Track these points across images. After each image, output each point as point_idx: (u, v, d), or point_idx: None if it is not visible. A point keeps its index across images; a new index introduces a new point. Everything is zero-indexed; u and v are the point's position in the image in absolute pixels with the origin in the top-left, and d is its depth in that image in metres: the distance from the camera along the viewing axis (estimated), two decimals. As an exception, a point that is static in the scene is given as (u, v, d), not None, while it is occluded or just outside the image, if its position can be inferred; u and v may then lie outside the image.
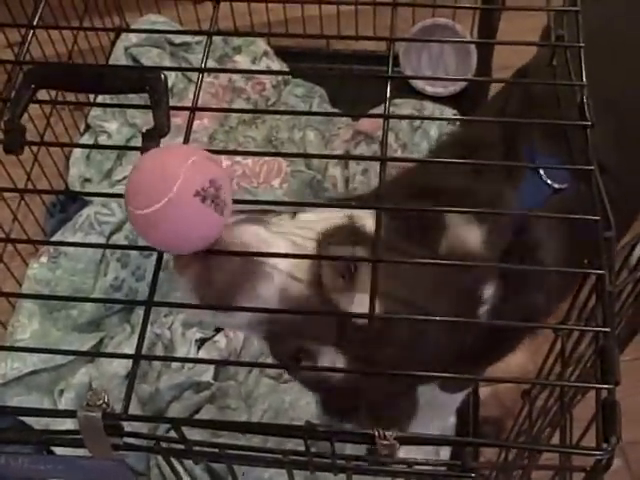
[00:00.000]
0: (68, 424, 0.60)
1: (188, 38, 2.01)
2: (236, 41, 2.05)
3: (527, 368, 1.36)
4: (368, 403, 0.83)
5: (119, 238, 1.62)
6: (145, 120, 1.81)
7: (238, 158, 1.80)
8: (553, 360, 0.87)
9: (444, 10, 1.96)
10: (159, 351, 1.54)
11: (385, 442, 0.56)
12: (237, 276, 0.76)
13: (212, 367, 1.53)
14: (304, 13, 1.96)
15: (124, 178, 1.75)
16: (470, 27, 1.94)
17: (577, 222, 0.69)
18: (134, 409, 1.43)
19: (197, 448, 0.61)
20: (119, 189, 1.68)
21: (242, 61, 2.01)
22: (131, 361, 1.56)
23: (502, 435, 1.51)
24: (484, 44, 1.78)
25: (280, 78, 2.00)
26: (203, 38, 2.04)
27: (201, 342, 1.57)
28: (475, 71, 1.92)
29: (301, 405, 1.48)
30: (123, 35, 1.99)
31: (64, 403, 1.44)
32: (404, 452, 0.61)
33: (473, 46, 1.93)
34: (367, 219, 0.88)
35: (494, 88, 1.82)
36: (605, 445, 0.56)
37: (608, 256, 0.64)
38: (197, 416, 1.46)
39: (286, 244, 0.81)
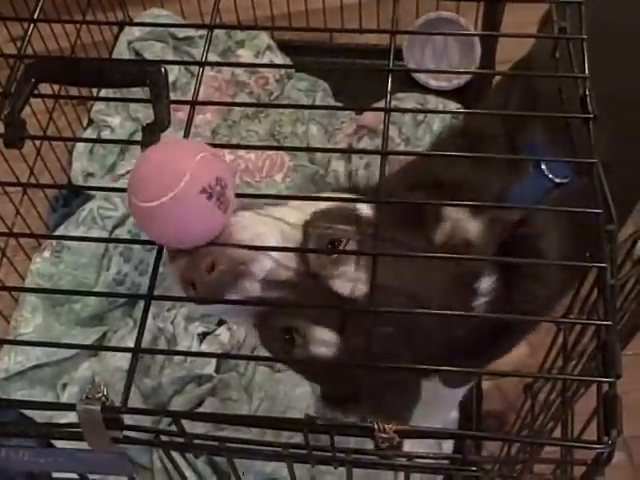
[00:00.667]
0: (70, 418, 0.60)
1: (191, 32, 2.00)
2: (239, 35, 2.05)
3: (528, 361, 1.35)
4: (366, 392, 0.83)
5: (122, 232, 1.62)
6: (148, 114, 1.79)
7: (241, 152, 1.80)
8: (555, 354, 0.87)
9: (448, 3, 1.95)
10: (162, 345, 1.54)
11: (384, 435, 0.55)
12: (224, 264, 0.75)
13: (214, 360, 1.53)
14: (307, 7, 1.96)
15: (127, 172, 1.75)
16: (474, 20, 1.94)
17: (578, 215, 0.68)
18: (137, 403, 1.43)
19: (197, 441, 0.61)
20: (122, 183, 1.68)
21: (245, 55, 2.01)
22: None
23: (505, 429, 1.50)
24: (488, 37, 1.78)
25: (283, 72, 2.00)
26: (205, 32, 2.04)
27: (203, 336, 1.57)
28: (479, 65, 1.91)
29: (296, 394, 1.48)
30: (126, 29, 1.99)
31: (67, 397, 1.45)
32: (407, 447, 0.61)
33: (477, 39, 1.92)
34: (361, 205, 0.88)
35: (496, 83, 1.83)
36: (606, 438, 0.56)
37: (610, 249, 0.64)
38: (199, 409, 1.46)
39: (273, 228, 0.81)
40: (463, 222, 0.91)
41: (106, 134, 1.82)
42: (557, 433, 0.83)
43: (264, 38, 2.03)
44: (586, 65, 0.73)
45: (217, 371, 1.53)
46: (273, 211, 0.85)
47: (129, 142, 1.77)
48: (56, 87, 1.48)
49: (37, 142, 1.68)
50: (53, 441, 0.89)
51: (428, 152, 1.64)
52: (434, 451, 0.61)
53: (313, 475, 1.36)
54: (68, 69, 0.74)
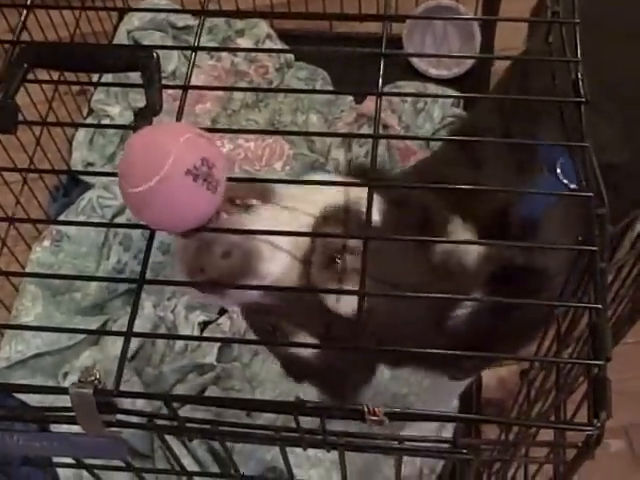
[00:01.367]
0: (68, 403, 0.60)
1: (190, 21, 2.00)
2: (239, 24, 2.04)
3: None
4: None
5: (121, 221, 1.63)
6: (148, 104, 1.81)
7: (240, 141, 1.80)
8: (551, 340, 0.87)
9: (448, -8, 1.95)
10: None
11: (374, 418, 0.56)
12: (241, 255, 0.76)
13: (215, 349, 1.53)
14: (307, -5, 1.96)
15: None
16: (474, 9, 1.94)
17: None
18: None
19: (190, 425, 0.61)
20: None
21: (245, 44, 2.01)
22: (135, 344, 1.57)
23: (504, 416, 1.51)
24: (487, 26, 1.77)
25: (283, 61, 1.99)
26: (200, 18, 2.04)
27: (204, 325, 1.58)
28: (479, 53, 1.90)
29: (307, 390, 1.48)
30: (126, 18, 1.99)
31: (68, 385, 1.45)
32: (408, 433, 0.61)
33: (477, 28, 1.91)
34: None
35: (495, 72, 1.83)
36: (595, 421, 0.56)
37: (600, 233, 0.64)
38: (201, 398, 1.47)
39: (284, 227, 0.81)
40: (464, 248, 0.90)
41: (106, 123, 1.83)
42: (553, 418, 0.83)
43: (263, 27, 2.03)
44: (578, 49, 0.73)
45: (219, 361, 1.54)
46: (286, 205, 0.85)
47: (121, 127, 1.77)
48: (55, 76, 1.49)
49: (37, 132, 1.68)
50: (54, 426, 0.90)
51: (418, 136, 1.64)
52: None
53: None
54: (60, 54, 0.74)
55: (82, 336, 1.51)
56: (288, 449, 1.36)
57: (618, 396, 1.61)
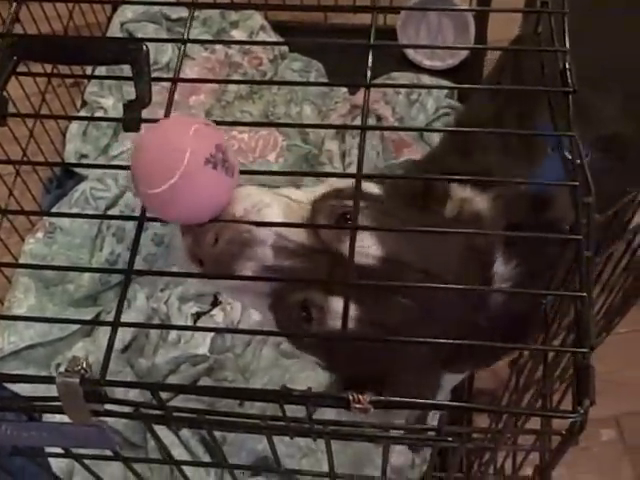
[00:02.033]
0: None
1: (184, 13, 1.99)
2: (233, 16, 2.04)
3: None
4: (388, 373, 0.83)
5: (114, 213, 1.63)
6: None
7: (234, 133, 1.80)
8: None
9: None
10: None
11: (359, 406, 0.56)
12: (227, 234, 0.76)
13: (208, 340, 1.54)
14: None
15: (121, 153, 1.75)
16: (468, 0, 1.94)
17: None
18: (131, 383, 1.44)
19: (177, 414, 0.61)
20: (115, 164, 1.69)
21: (239, 36, 2.01)
22: (128, 335, 1.57)
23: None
24: (479, 16, 1.78)
25: (277, 52, 1.99)
26: (199, 13, 2.04)
27: (197, 316, 1.58)
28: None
29: (301, 377, 1.48)
30: (119, 10, 1.98)
31: (61, 377, 1.45)
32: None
33: (471, 19, 1.91)
34: (369, 185, 0.90)
35: (489, 63, 1.83)
36: (579, 408, 0.56)
37: (586, 222, 0.64)
38: (194, 389, 1.47)
39: (277, 198, 0.82)
40: (471, 198, 0.91)
41: (99, 115, 1.82)
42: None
43: (257, 19, 2.02)
44: (566, 39, 0.73)
45: (211, 352, 1.54)
46: (278, 190, 0.86)
47: (111, 119, 1.77)
48: (48, 69, 1.48)
49: (30, 124, 1.68)
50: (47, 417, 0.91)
51: (406, 127, 1.64)
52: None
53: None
54: (50, 47, 0.74)
55: (75, 328, 1.52)
56: (280, 439, 1.37)
57: (609, 386, 1.62)
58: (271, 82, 1.94)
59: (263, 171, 1.38)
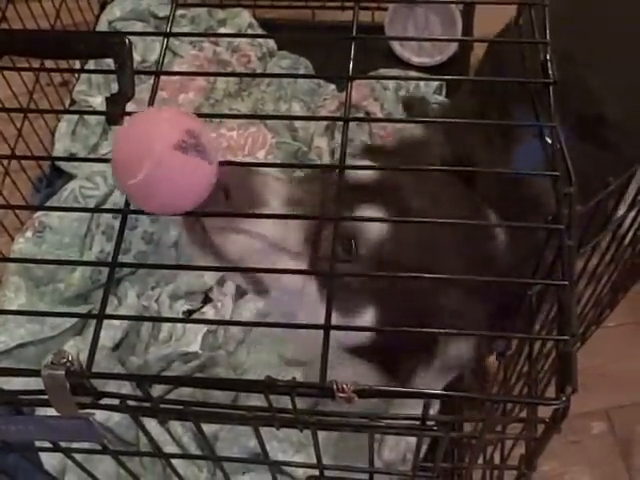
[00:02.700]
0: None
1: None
2: (221, 14, 2.05)
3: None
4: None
5: (103, 212, 1.63)
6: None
7: (223, 130, 1.80)
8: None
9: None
10: (146, 324, 1.55)
11: (343, 395, 0.56)
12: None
13: (199, 338, 1.54)
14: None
15: (110, 152, 1.74)
16: (455, -4, 1.94)
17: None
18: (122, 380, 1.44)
19: (163, 406, 0.62)
20: (105, 163, 1.68)
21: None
22: (119, 333, 1.56)
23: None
24: (465, 12, 1.78)
25: (265, 50, 2.00)
26: (187, 11, 2.04)
27: (189, 313, 1.58)
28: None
29: (297, 375, 1.48)
30: (107, 9, 1.99)
31: (52, 376, 1.45)
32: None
33: (458, 15, 1.92)
34: None
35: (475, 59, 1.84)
36: (561, 395, 0.57)
37: (568, 211, 0.65)
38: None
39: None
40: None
41: (82, 110, 1.82)
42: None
43: (245, 17, 2.03)
44: (547, 31, 0.74)
45: (202, 349, 1.54)
46: None
47: (95, 112, 1.76)
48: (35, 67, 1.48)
49: (18, 124, 1.68)
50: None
51: (388, 118, 1.66)
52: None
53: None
54: (32, 41, 0.74)
55: (66, 326, 1.51)
56: (272, 435, 1.37)
57: (600, 379, 1.62)
58: (256, 75, 1.94)
59: (251, 163, 1.38)
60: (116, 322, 1.50)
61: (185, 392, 1.31)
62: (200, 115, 0.72)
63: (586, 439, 1.52)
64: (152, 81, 0.76)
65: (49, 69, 1.45)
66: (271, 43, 2.04)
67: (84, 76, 1.90)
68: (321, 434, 0.66)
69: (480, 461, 0.90)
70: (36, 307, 1.53)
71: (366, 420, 0.61)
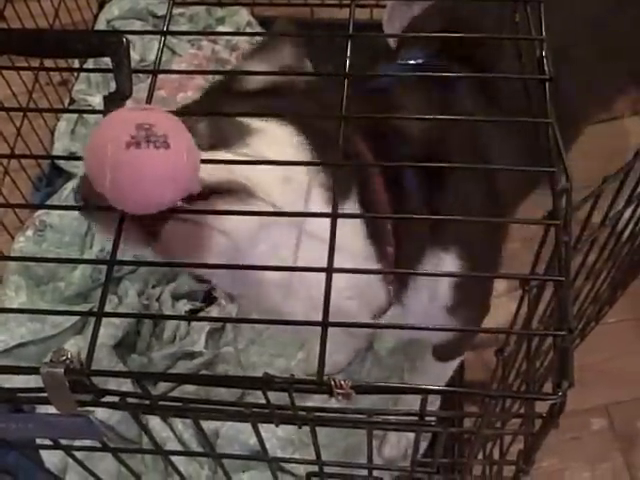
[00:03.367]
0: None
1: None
2: (220, 12, 2.05)
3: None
4: None
5: (103, 211, 1.62)
6: (129, 93, 1.81)
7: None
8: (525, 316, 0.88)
9: (427, -23, 1.95)
10: (147, 323, 1.56)
11: (341, 391, 0.56)
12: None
13: (203, 337, 1.53)
14: (286, -18, 1.96)
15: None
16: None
17: None
18: (124, 378, 1.44)
19: (162, 403, 0.62)
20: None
21: (225, 32, 2.01)
22: (120, 332, 1.56)
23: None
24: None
25: (264, 48, 2.00)
26: (185, 10, 2.04)
27: (191, 313, 1.58)
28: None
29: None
30: (106, 8, 1.99)
31: (53, 374, 1.45)
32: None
33: (457, 12, 1.91)
34: None
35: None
36: (558, 390, 0.57)
37: (565, 206, 0.65)
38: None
39: None
40: None
41: (79, 108, 1.83)
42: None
43: (244, 15, 2.03)
44: (543, 27, 0.74)
45: (207, 349, 1.54)
46: None
47: (92, 111, 1.76)
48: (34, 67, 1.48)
49: (17, 123, 1.68)
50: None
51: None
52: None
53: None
54: (29, 40, 0.74)
55: (66, 325, 1.52)
56: (272, 433, 1.37)
57: (599, 375, 1.62)
58: (255, 73, 1.94)
59: (243, 160, 1.37)
60: (117, 321, 1.50)
61: (189, 390, 1.32)
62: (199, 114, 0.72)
63: (586, 435, 1.52)
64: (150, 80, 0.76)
65: (48, 68, 1.45)
66: (270, 41, 2.03)
67: (83, 75, 1.91)
68: (323, 432, 0.66)
69: (480, 457, 0.91)
70: (36, 306, 1.54)
71: (364, 416, 0.61)
